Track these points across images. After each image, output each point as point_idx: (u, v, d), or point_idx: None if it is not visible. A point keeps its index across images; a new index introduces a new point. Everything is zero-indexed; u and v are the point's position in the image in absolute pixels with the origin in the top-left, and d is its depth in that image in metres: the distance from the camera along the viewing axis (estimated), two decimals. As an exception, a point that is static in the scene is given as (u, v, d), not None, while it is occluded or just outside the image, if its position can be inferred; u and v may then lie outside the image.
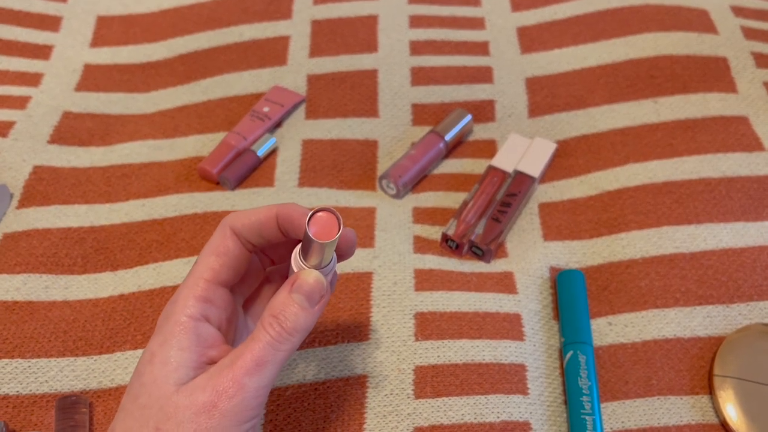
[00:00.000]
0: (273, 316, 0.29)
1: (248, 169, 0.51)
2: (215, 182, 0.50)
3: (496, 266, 0.47)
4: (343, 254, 0.33)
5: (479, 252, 0.48)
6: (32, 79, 0.57)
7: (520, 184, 0.50)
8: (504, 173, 0.51)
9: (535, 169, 0.51)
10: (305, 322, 0.30)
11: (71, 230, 0.48)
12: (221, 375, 0.28)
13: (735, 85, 0.56)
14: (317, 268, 0.31)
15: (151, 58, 0.60)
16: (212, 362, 0.30)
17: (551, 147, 0.52)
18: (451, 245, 0.48)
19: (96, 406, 0.41)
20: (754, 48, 0.59)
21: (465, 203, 0.49)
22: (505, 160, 0.52)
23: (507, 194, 0.50)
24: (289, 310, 0.30)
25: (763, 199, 0.49)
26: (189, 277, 0.31)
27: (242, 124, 0.53)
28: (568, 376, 0.42)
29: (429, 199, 0.51)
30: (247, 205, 0.49)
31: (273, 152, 0.53)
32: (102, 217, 0.49)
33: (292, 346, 0.30)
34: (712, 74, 0.56)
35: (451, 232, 0.48)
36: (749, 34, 0.60)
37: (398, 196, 0.51)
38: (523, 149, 0.52)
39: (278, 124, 0.54)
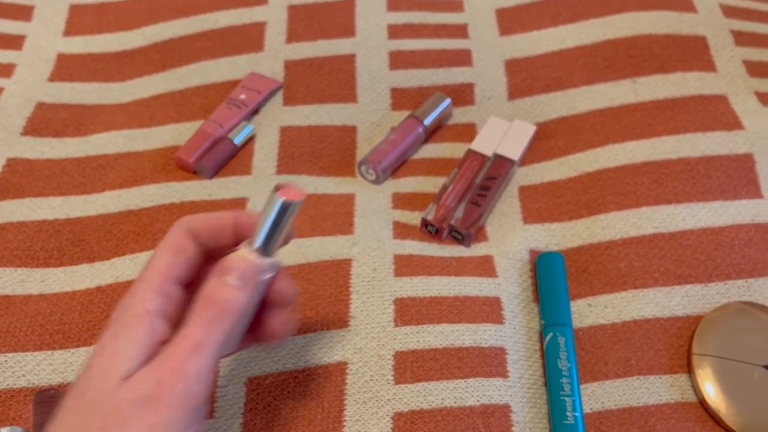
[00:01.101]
0: (205, 298, 0.29)
1: (225, 157, 0.50)
2: (192, 171, 0.50)
3: (476, 250, 0.47)
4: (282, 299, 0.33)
5: (459, 236, 0.47)
6: (4, 70, 0.56)
7: (499, 168, 0.50)
8: (483, 157, 0.51)
9: (514, 151, 0.51)
10: (239, 300, 0.30)
11: (46, 223, 0.47)
12: (161, 365, 0.28)
13: (714, 64, 0.56)
14: (263, 250, 0.31)
15: (125, 46, 0.59)
16: None
17: (530, 129, 0.52)
18: (430, 230, 0.48)
19: (74, 399, 0.40)
20: (733, 26, 0.59)
21: (444, 188, 0.49)
22: (485, 143, 0.51)
23: (486, 178, 0.49)
24: (220, 291, 0.29)
25: (741, 177, 0.49)
26: (146, 272, 0.31)
27: (219, 111, 0.53)
28: (547, 358, 0.42)
29: (409, 184, 0.51)
30: (224, 194, 0.49)
31: (251, 140, 0.52)
32: (77, 209, 0.48)
33: (230, 325, 0.29)
34: (691, 53, 0.56)
35: (430, 217, 0.48)
36: (728, 12, 0.60)
37: (377, 181, 0.51)
38: (503, 132, 0.52)
39: (255, 111, 0.54)
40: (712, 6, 0.60)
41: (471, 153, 0.51)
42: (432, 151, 0.53)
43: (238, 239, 0.32)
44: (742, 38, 0.58)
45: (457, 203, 0.48)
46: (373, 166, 0.50)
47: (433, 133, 0.54)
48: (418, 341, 0.42)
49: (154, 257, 0.31)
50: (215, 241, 0.32)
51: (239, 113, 0.53)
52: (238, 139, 0.51)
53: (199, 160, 0.50)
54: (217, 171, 0.50)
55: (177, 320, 0.31)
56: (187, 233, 0.31)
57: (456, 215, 0.48)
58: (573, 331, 0.43)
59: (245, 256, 0.30)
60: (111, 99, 0.55)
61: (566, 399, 0.40)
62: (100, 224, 0.47)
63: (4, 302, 0.43)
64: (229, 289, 0.29)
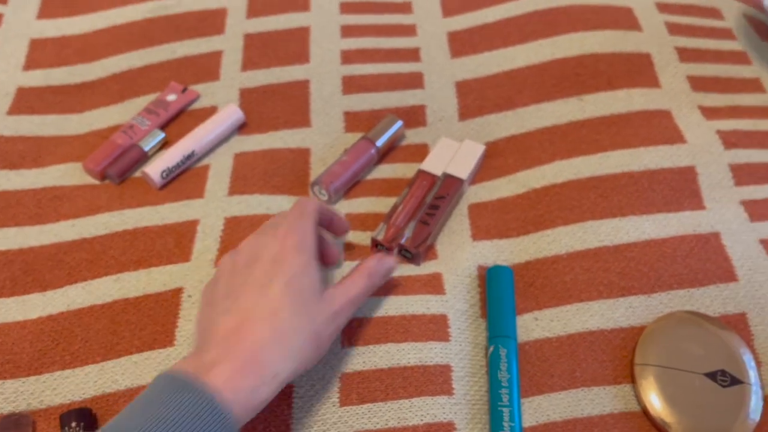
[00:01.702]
0: (369, 272, 0.43)
1: (134, 164, 0.53)
2: (101, 178, 0.52)
3: (425, 268, 0.48)
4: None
5: (409, 255, 0.48)
6: (-36, 105, 0.57)
7: (448, 187, 0.51)
8: (433, 176, 0.52)
9: (463, 171, 0.52)
10: (381, 281, 0.44)
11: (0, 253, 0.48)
12: (339, 298, 0.41)
13: (658, 80, 0.57)
14: None
15: (85, 78, 0.60)
16: None
17: (480, 149, 0.53)
18: (381, 249, 0.49)
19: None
20: (678, 43, 0.60)
21: (395, 207, 0.50)
22: (435, 163, 0.53)
23: (436, 197, 0.50)
24: (379, 272, 0.44)
25: (684, 189, 0.50)
26: (306, 217, 0.42)
27: (130, 122, 0.55)
28: (490, 370, 0.42)
29: (361, 204, 0.52)
30: (176, 218, 0.49)
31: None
32: (31, 239, 0.49)
33: (369, 293, 0.44)
34: (636, 70, 0.58)
35: (380, 237, 0.48)
36: (673, 29, 0.61)
37: (330, 202, 0.52)
38: (452, 152, 0.53)
39: (172, 120, 0.56)
40: (657, 24, 0.61)
41: (421, 173, 0.52)
42: (384, 171, 0.54)
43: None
44: (686, 54, 0.59)
45: (407, 222, 0.49)
46: (325, 186, 0.51)
47: (385, 155, 0.55)
48: (364, 362, 0.42)
49: (305, 212, 0.43)
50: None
51: (154, 122, 0.55)
52: (149, 147, 0.53)
53: (107, 168, 0.52)
54: (124, 177, 0.53)
55: None
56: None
57: (406, 234, 0.48)
58: (516, 343, 0.44)
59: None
60: (69, 130, 0.56)
61: (504, 409, 0.40)
62: (53, 253, 0.48)
63: (-44, 333, 0.44)
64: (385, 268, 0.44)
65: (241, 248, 0.41)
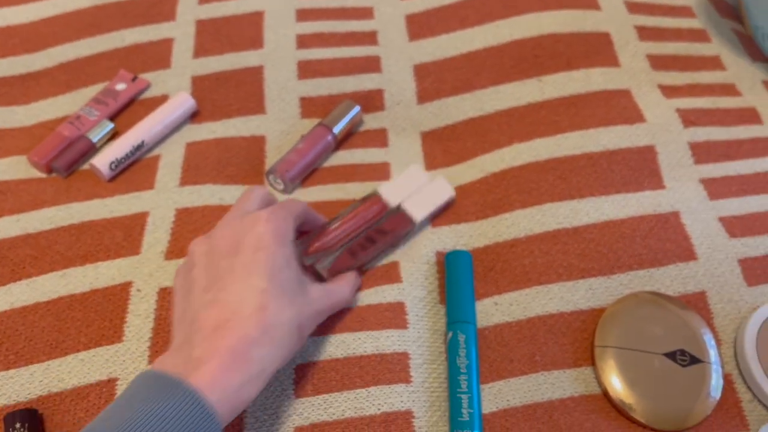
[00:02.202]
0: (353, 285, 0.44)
1: (81, 156, 0.51)
2: (48, 171, 0.50)
3: (382, 255, 0.47)
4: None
5: (319, 275, 0.45)
6: None
7: (395, 224, 0.46)
8: (385, 205, 0.47)
9: (419, 211, 0.47)
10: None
11: (-60, 252, 0.46)
12: (323, 300, 0.40)
13: (617, 59, 0.57)
14: None
15: (30, 68, 0.58)
16: None
17: (448, 193, 0.48)
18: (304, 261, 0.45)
19: (-35, 432, 0.39)
20: (637, 21, 0.60)
21: (333, 221, 0.46)
22: (395, 191, 0.48)
23: (377, 230, 0.46)
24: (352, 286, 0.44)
25: (642, 169, 0.50)
26: (286, 209, 0.41)
27: (77, 113, 0.53)
28: (449, 356, 0.42)
29: (320, 192, 0.51)
30: (125, 210, 0.48)
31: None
32: (-27, 236, 0.47)
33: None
34: (595, 50, 0.57)
35: (318, 265, 0.44)
36: (632, 8, 0.61)
37: (287, 191, 0.51)
38: (417, 186, 0.48)
39: (122, 110, 0.54)
40: (617, 3, 0.61)
41: (376, 196, 0.48)
42: (343, 158, 0.53)
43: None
44: (645, 33, 0.59)
45: (337, 243, 0.45)
46: (280, 175, 0.50)
47: (343, 141, 0.54)
48: (319, 352, 0.41)
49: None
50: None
51: (102, 112, 0.53)
52: (97, 138, 0.51)
53: (53, 161, 0.50)
54: (72, 169, 0.51)
55: None
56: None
57: (328, 259, 0.44)
58: (476, 328, 0.43)
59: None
60: (15, 122, 0.54)
61: (462, 396, 0.39)
62: (-5, 250, 0.46)
63: None
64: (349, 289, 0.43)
65: (218, 233, 0.40)
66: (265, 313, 0.36)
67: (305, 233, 0.46)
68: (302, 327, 0.38)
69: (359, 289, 0.45)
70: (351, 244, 0.45)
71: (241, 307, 0.35)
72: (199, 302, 0.37)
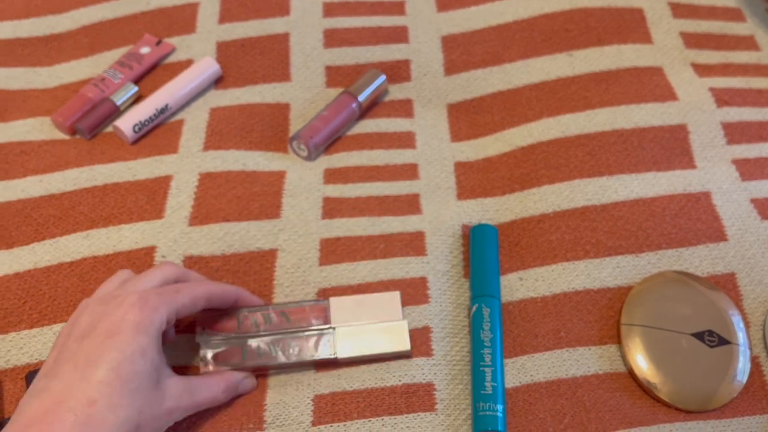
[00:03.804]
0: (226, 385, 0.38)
1: (105, 118, 0.50)
2: (72, 133, 0.50)
3: (408, 224, 0.46)
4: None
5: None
6: (-74, 56, 0.55)
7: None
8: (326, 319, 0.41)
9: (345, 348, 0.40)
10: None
11: (-36, 210, 0.46)
12: (182, 398, 0.36)
13: (650, 36, 0.55)
14: None
15: (54, 30, 0.57)
16: None
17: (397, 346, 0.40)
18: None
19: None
20: (671, -2, 0.58)
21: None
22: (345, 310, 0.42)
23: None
24: (237, 386, 0.39)
25: (674, 148, 0.49)
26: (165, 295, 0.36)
27: (102, 75, 0.53)
28: (472, 329, 0.41)
29: (342, 159, 0.50)
30: (148, 173, 0.47)
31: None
32: (-3, 195, 0.47)
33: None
34: (627, 25, 0.56)
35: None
36: (667, -16, 0.59)
37: (310, 158, 0.50)
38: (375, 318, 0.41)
39: (146, 74, 0.54)
40: (651, -22, 0.59)
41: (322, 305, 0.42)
42: (367, 127, 0.52)
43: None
44: (679, 10, 0.58)
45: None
46: (304, 141, 0.49)
47: (368, 110, 0.53)
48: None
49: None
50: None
51: (126, 75, 0.52)
52: (121, 101, 0.51)
53: (77, 122, 0.50)
54: (95, 131, 0.50)
55: None
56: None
57: (221, 345, 0.40)
58: (500, 303, 0.42)
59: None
60: (38, 84, 0.54)
61: (486, 369, 0.39)
62: (19, 209, 0.46)
63: None
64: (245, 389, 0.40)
65: (83, 313, 0.36)
66: (92, 408, 0.31)
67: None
68: (142, 427, 0.33)
69: (236, 392, 0.39)
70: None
71: (68, 399, 0.31)
72: (35, 388, 0.33)
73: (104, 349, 0.33)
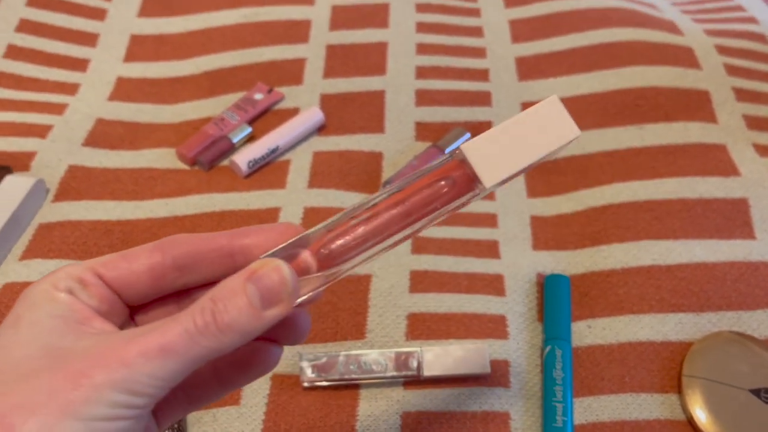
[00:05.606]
0: (211, 300, 0.23)
1: (222, 153, 0.57)
2: (192, 164, 0.57)
3: (489, 267, 0.51)
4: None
5: None
6: (70, 89, 0.63)
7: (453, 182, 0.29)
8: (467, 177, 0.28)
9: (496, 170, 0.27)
10: (247, 324, 0.23)
11: (100, 223, 0.52)
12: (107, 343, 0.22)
13: (715, 116, 0.60)
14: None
15: (179, 73, 0.65)
16: None
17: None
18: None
19: None
20: (735, 83, 0.63)
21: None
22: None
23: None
24: (232, 301, 0.23)
25: (735, 219, 0.53)
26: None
27: (221, 116, 0.60)
28: (545, 368, 0.45)
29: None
30: (260, 204, 0.54)
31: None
32: (128, 213, 0.53)
33: (220, 345, 0.23)
34: (694, 105, 0.61)
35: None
36: (731, 71, 0.65)
37: (399, 205, 0.56)
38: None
39: (258, 117, 0.61)
40: (716, 65, 0.65)
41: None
42: (451, 181, 0.58)
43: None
44: (742, 95, 0.63)
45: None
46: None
47: (452, 165, 0.59)
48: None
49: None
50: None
51: (241, 118, 0.60)
52: (236, 139, 0.58)
53: (198, 155, 0.57)
54: (213, 165, 0.57)
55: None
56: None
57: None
58: (571, 346, 0.47)
59: (283, 269, 0.24)
60: (163, 119, 0.61)
61: (557, 405, 0.43)
62: (147, 227, 0.52)
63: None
64: (244, 305, 0.23)
65: None
66: None
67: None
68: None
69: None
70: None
71: None
72: None
73: None
